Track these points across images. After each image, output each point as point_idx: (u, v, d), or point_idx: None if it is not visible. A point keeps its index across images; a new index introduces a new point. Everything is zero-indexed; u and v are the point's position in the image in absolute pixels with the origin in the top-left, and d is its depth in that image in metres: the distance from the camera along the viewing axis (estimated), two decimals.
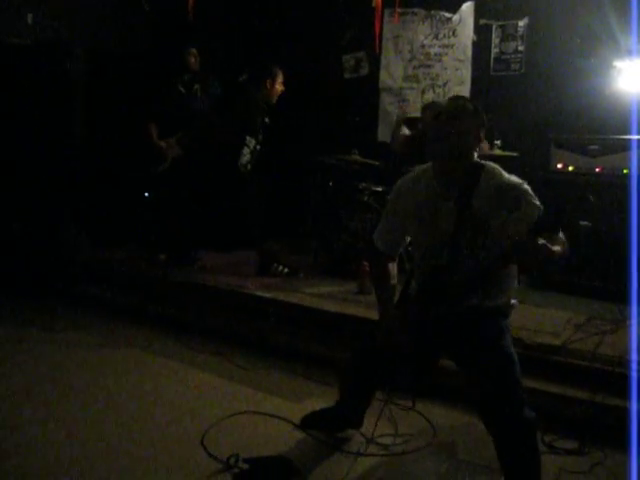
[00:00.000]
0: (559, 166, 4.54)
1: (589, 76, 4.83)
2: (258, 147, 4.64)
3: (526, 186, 2.28)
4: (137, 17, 6.28)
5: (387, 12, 5.71)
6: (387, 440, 2.73)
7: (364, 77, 6.14)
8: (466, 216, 2.25)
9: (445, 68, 5.72)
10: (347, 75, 6.22)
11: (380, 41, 5.78)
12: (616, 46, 4.70)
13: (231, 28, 6.31)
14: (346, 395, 2.72)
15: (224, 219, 5.13)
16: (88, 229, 5.51)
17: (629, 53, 4.65)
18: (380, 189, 4.75)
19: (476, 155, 2.35)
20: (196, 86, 5.01)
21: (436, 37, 5.75)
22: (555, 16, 5.08)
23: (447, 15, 5.67)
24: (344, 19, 6.04)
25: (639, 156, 4.23)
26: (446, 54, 5.71)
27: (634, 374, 2.87)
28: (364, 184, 4.85)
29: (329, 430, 2.78)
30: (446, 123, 2.27)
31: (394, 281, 2.55)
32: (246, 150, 4.56)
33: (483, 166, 2.32)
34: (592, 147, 4.41)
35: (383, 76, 6.04)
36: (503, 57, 5.41)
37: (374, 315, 2.68)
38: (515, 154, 4.67)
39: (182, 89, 4.98)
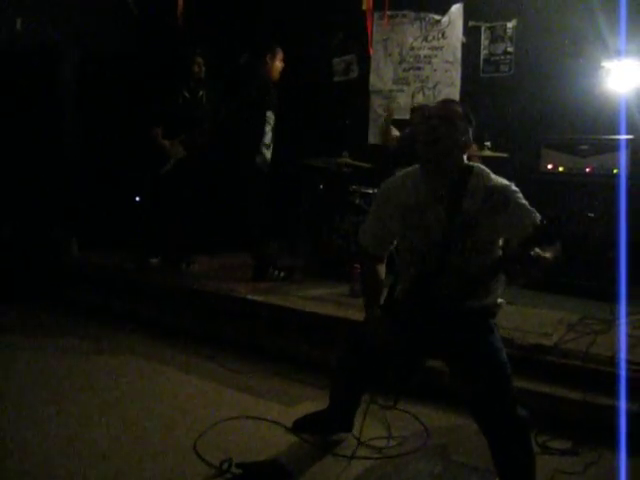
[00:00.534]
0: (549, 167, 4.55)
1: (578, 77, 4.86)
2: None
3: (514, 187, 2.29)
4: (126, 20, 6.26)
5: (377, 15, 5.74)
6: (381, 442, 2.72)
7: (354, 80, 6.15)
8: (455, 218, 2.25)
9: (435, 70, 5.73)
10: (337, 78, 6.23)
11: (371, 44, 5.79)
12: (604, 47, 4.73)
13: (220, 32, 6.30)
14: (335, 397, 2.72)
15: (223, 220, 5.12)
16: (79, 233, 5.49)
17: (617, 53, 4.68)
18: (371, 191, 4.74)
19: (465, 157, 2.35)
20: (201, 92, 5.01)
21: (425, 39, 5.76)
22: (544, 17, 5.10)
23: (436, 17, 5.69)
24: (333, 23, 6.05)
25: (628, 156, 4.25)
26: (436, 56, 5.72)
27: (623, 373, 2.88)
28: (355, 186, 4.85)
29: (321, 433, 2.77)
30: (436, 126, 2.27)
31: (381, 284, 2.53)
32: (268, 127, 4.50)
33: (472, 168, 2.33)
34: (582, 147, 4.43)
35: (373, 79, 6.05)
36: (492, 58, 5.43)
37: None
38: (505, 155, 4.68)
39: (187, 94, 4.98)
